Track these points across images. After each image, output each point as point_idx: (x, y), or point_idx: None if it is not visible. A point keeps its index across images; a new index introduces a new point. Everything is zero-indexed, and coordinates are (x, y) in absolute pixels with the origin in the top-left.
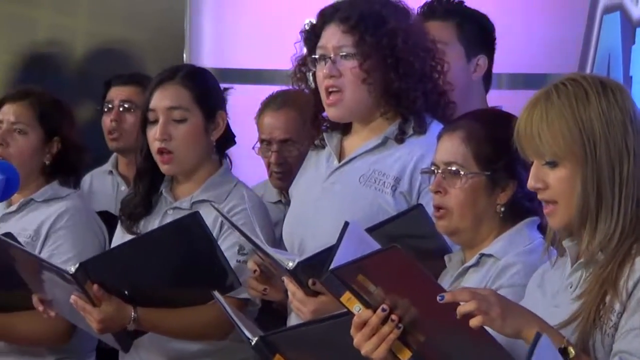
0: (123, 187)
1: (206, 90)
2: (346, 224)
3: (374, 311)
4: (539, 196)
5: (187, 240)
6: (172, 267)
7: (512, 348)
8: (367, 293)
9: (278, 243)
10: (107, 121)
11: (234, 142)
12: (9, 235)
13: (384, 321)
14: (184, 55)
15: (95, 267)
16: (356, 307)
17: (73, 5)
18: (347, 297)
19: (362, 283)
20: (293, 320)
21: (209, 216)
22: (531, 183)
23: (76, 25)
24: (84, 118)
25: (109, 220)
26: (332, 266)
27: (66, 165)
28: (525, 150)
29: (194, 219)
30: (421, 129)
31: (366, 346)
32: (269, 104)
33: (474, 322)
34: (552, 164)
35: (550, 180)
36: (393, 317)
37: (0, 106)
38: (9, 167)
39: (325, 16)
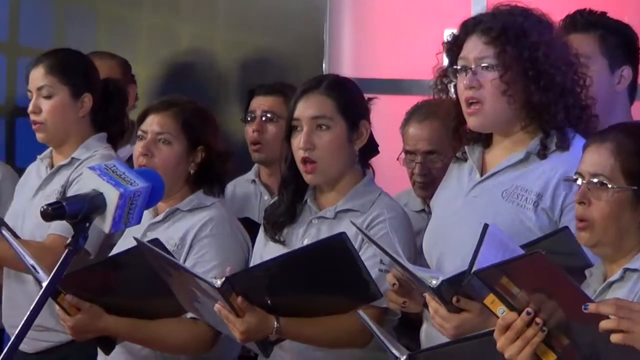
0: (266, 197)
1: (350, 99)
2: (485, 226)
3: (519, 314)
4: None
5: (332, 258)
6: (316, 281)
7: None
8: (510, 296)
9: (419, 253)
10: (249, 131)
11: (377, 152)
12: (156, 241)
13: (528, 324)
14: (324, 65)
15: (241, 281)
16: (500, 310)
17: (213, 15)
18: (490, 300)
19: (506, 286)
20: (425, 330)
21: (353, 226)
22: None
23: (216, 35)
24: (223, 127)
25: (250, 227)
26: (474, 269)
27: (211, 174)
28: None
29: (340, 240)
30: (564, 145)
31: (510, 349)
32: (414, 114)
33: (613, 339)
34: None
35: None
36: (537, 320)
37: (144, 117)
38: (155, 175)
39: (468, 27)
